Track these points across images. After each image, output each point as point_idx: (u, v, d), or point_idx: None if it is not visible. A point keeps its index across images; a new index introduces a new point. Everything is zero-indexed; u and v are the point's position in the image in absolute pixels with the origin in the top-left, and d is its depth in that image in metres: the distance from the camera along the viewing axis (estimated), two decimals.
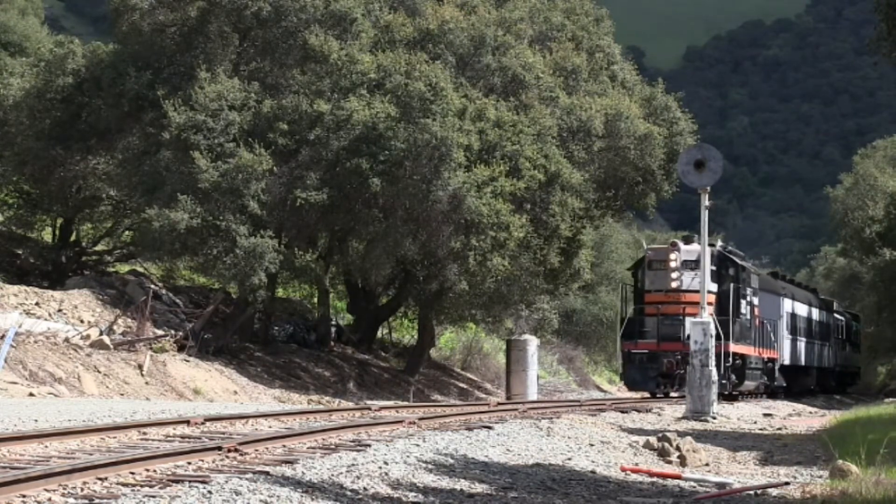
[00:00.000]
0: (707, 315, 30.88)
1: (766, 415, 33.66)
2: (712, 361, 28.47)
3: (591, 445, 18.42)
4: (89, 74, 36.75)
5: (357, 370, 38.52)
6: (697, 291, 33.11)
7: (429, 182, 33.82)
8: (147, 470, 11.78)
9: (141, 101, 35.66)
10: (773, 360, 44.32)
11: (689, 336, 32.52)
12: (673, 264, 36.61)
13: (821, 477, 15.57)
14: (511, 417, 21.92)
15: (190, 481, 11.00)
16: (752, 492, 13.95)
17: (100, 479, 11.03)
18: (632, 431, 21.67)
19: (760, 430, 26.68)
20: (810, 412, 39.21)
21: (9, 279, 36.28)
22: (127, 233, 43.47)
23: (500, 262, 35.06)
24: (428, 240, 35.42)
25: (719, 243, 38.72)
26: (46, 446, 13.67)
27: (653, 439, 19.29)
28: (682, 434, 20.10)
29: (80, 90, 36.78)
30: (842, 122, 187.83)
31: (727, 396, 37.48)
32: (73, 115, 36.98)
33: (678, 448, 18.47)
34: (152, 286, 37.42)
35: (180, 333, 33.46)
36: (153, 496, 10.18)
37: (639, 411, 27.86)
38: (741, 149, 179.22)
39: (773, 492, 14.06)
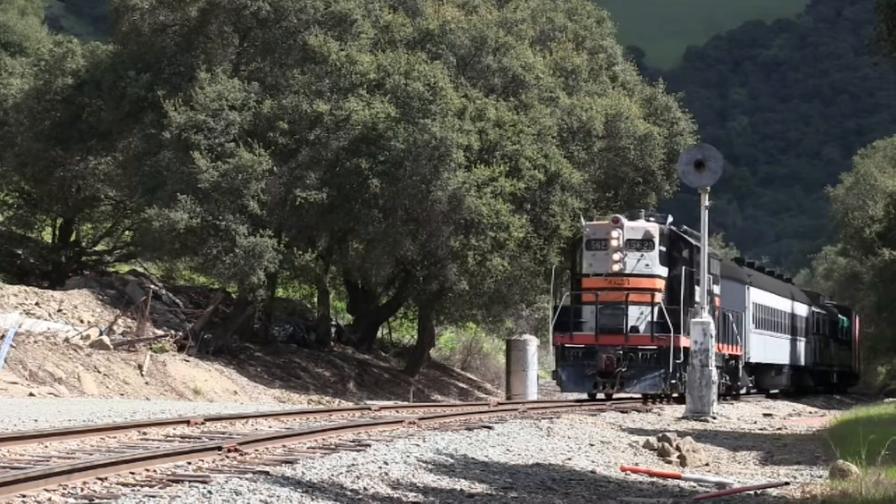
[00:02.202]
0: (660, 305, 29.45)
1: (766, 415, 33.63)
2: (713, 361, 28.42)
3: (591, 445, 18.42)
4: (89, 76, 36.76)
5: (357, 370, 38.52)
6: (645, 275, 30.96)
7: (428, 182, 33.83)
8: (147, 470, 11.78)
9: (141, 103, 35.68)
10: (735, 358, 38.94)
11: (633, 328, 30.84)
12: (615, 243, 31.07)
13: (821, 477, 15.56)
14: (511, 417, 21.92)
15: (190, 481, 10.99)
16: (751, 492, 13.95)
17: (100, 479, 11.03)
18: (632, 431, 21.67)
19: (760, 430, 26.67)
20: (810, 412, 39.18)
21: (9, 279, 36.29)
22: (127, 233, 43.49)
23: (500, 262, 35.07)
24: (428, 240, 35.42)
25: (670, 219, 33.46)
26: (46, 446, 13.67)
27: (653, 439, 19.29)
28: (681, 434, 20.09)
29: (80, 91, 36.79)
30: (842, 122, 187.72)
31: (679, 399, 32.98)
32: (73, 116, 36.99)
33: (678, 448, 18.46)
34: (152, 286, 37.42)
35: (180, 333, 33.46)
36: (153, 496, 10.18)
37: (639, 411, 27.87)
38: (741, 149, 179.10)
39: (773, 492, 14.06)
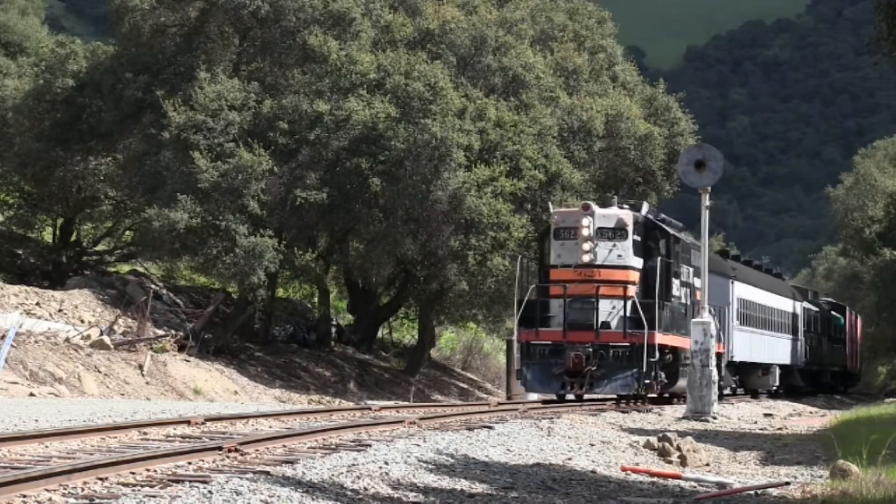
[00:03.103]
0: (633, 299, 27.61)
1: (766, 415, 33.62)
2: (713, 361, 28.36)
3: (592, 445, 18.42)
4: (89, 77, 36.79)
5: (357, 370, 38.52)
6: (617, 267, 28.80)
7: (429, 182, 33.85)
8: (147, 470, 11.77)
9: (140, 103, 35.70)
10: (718, 356, 35.53)
11: (604, 324, 28.65)
12: (585, 232, 28.74)
13: (821, 477, 15.55)
14: (511, 417, 21.91)
15: (190, 481, 10.99)
16: (752, 492, 13.95)
17: (100, 479, 11.02)
18: (632, 431, 21.66)
19: (761, 430, 26.67)
20: (811, 412, 39.17)
21: (9, 279, 36.30)
22: (127, 233, 43.51)
23: (500, 262, 35.06)
24: (428, 240, 35.43)
25: (645, 207, 31.38)
26: (47, 446, 13.67)
27: (653, 439, 19.28)
28: (682, 434, 20.09)
29: (80, 92, 36.82)
30: (842, 122, 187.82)
31: (657, 399, 31.65)
32: (73, 117, 37.02)
33: (678, 448, 18.46)
34: (152, 286, 37.43)
35: (180, 333, 33.47)
36: (153, 496, 10.18)
37: (639, 411, 27.87)
38: (741, 149, 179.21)
39: (774, 492, 14.05)
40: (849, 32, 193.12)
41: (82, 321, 32.53)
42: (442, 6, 39.02)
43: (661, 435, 19.35)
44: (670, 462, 18.04)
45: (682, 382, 31.10)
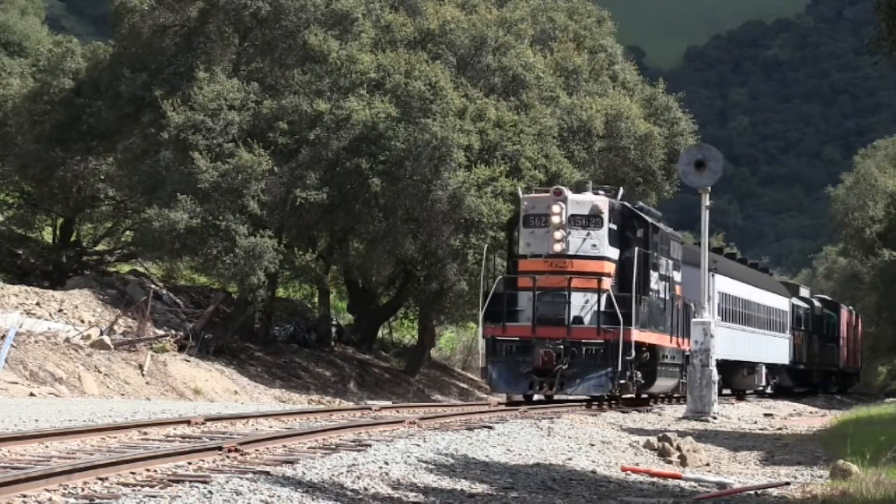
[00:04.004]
0: (608, 292, 25.86)
1: (766, 415, 33.63)
2: (713, 361, 28.35)
3: (592, 445, 18.42)
4: (88, 77, 36.79)
5: (357, 370, 38.52)
6: (591, 257, 26.82)
7: (429, 182, 33.85)
8: (148, 470, 11.77)
9: (139, 103, 35.71)
10: None
11: (576, 319, 26.63)
12: (556, 219, 26.64)
13: (821, 477, 15.55)
14: (511, 417, 21.91)
15: (190, 481, 10.99)
16: (752, 492, 13.95)
17: (100, 478, 11.02)
18: (632, 431, 21.66)
19: (761, 430, 26.68)
20: (811, 412, 39.17)
21: (9, 279, 36.30)
22: (127, 233, 43.52)
23: (500, 262, 35.06)
24: (428, 239, 35.43)
25: (621, 193, 29.07)
26: (47, 446, 13.67)
27: (653, 439, 19.29)
28: (682, 434, 20.09)
29: (79, 92, 36.82)
30: (842, 122, 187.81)
31: (633, 401, 29.83)
32: (73, 117, 37.03)
33: (679, 448, 18.46)
34: (153, 286, 37.43)
35: (181, 333, 33.46)
36: (154, 496, 10.18)
37: (639, 411, 27.87)
38: (741, 149, 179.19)
39: (774, 492, 14.05)
40: (849, 32, 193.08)
41: (82, 321, 32.53)
42: (442, 6, 39.02)
43: (661, 435, 19.35)
44: (670, 462, 18.04)
45: (660, 382, 29.98)
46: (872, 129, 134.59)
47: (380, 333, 46.16)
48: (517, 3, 42.16)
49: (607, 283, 26.97)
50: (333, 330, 42.31)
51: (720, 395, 37.52)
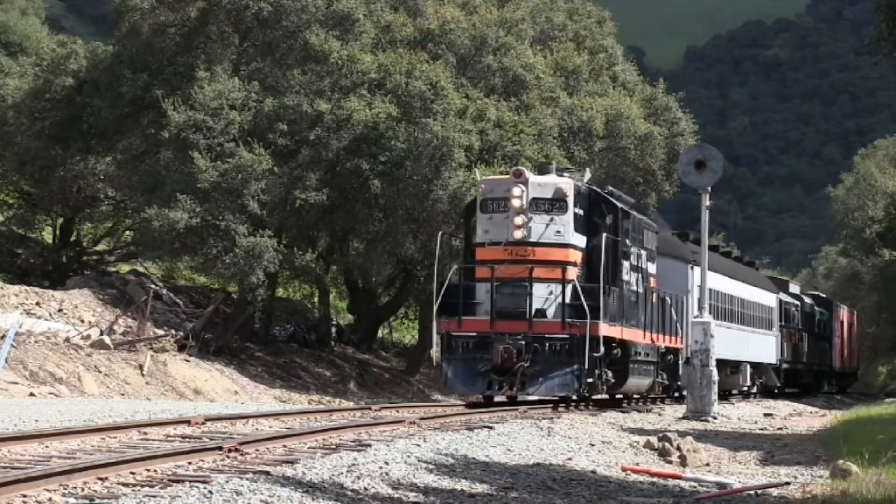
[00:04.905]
0: (574, 282, 23.88)
1: (766, 415, 33.64)
2: (713, 361, 28.34)
3: (592, 445, 18.43)
4: (88, 76, 36.80)
5: (357, 370, 38.53)
6: (555, 245, 24.66)
7: (429, 182, 33.85)
8: (147, 470, 11.77)
9: (139, 102, 35.71)
10: (674, 352, 31.59)
11: (539, 312, 24.49)
12: (517, 203, 24.46)
13: (821, 477, 15.56)
14: (511, 417, 21.89)
15: (190, 481, 10.99)
16: (752, 492, 13.95)
17: (100, 478, 11.02)
18: (632, 431, 21.67)
19: (761, 430, 26.68)
20: (811, 412, 39.17)
21: (9, 279, 36.30)
22: (127, 233, 43.52)
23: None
24: (428, 239, 35.42)
25: (587, 176, 26.88)
26: (47, 446, 13.67)
27: (653, 439, 19.29)
28: (682, 434, 20.09)
29: (79, 91, 36.82)
30: (842, 122, 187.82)
31: (606, 402, 27.87)
32: (72, 116, 37.02)
33: (679, 448, 18.47)
34: (153, 286, 37.44)
35: (181, 333, 33.47)
36: (154, 496, 10.18)
37: (639, 411, 27.87)
38: (741, 149, 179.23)
39: (774, 492, 14.06)
40: (849, 32, 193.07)
41: (82, 321, 32.53)
42: (442, 6, 39.03)
43: (661, 435, 19.36)
44: (670, 462, 18.05)
45: (632, 381, 27.85)
46: (872, 129, 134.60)
47: (380, 333, 46.16)
48: (517, 4, 42.18)
49: (573, 272, 24.83)
50: (333, 330, 42.32)
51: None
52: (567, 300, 24.45)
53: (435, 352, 26.41)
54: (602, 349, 24.54)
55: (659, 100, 45.18)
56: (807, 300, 55.03)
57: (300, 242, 35.81)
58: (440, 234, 27.31)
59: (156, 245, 34.07)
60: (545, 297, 24.62)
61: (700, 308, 29.75)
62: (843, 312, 63.25)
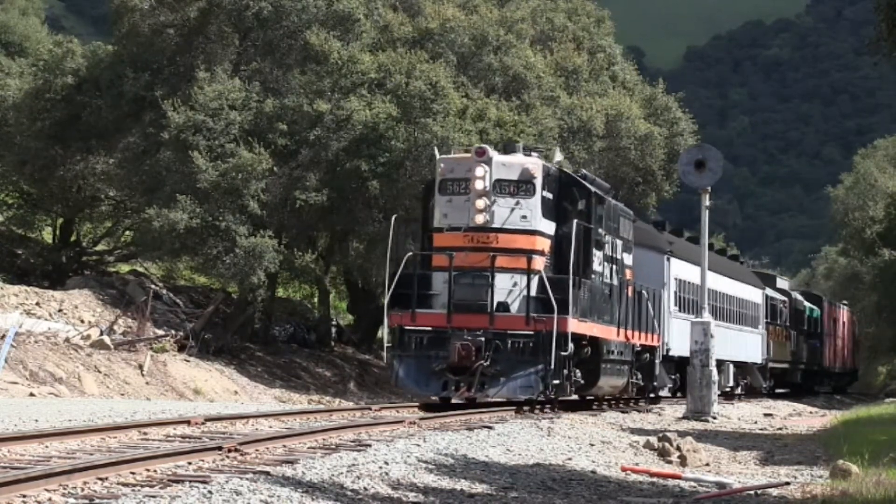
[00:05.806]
0: (541, 273, 22.12)
1: (766, 415, 33.65)
2: (713, 361, 28.35)
3: (592, 445, 18.43)
4: (88, 75, 36.80)
5: (357, 370, 38.53)
6: (521, 231, 22.56)
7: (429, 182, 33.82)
8: (147, 470, 11.77)
9: (140, 102, 35.71)
10: (650, 349, 29.32)
11: (501, 305, 22.42)
12: (479, 185, 22.29)
13: (821, 477, 15.56)
14: (511, 417, 21.88)
15: (190, 481, 11.00)
16: (752, 492, 13.95)
17: (100, 479, 11.03)
18: (632, 431, 21.67)
19: (761, 430, 26.69)
20: (811, 412, 39.18)
21: (9, 279, 36.29)
22: (127, 233, 43.51)
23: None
24: None
25: (557, 157, 25.26)
26: (47, 446, 13.67)
27: (653, 439, 19.30)
28: (682, 434, 20.10)
29: (79, 91, 36.82)
30: (842, 122, 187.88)
31: (573, 405, 25.71)
32: (72, 116, 37.01)
33: (678, 448, 18.47)
34: (152, 286, 37.43)
35: (181, 333, 33.46)
36: (153, 496, 10.18)
37: (639, 411, 27.88)
38: (741, 149, 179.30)
39: (774, 492, 14.06)
40: (849, 32, 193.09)
41: (82, 321, 32.53)
42: (442, 5, 39.02)
43: (661, 435, 19.37)
44: (670, 462, 18.05)
45: (604, 382, 25.69)
46: (872, 129, 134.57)
47: (380, 333, 46.13)
48: (518, 3, 42.18)
49: (539, 262, 22.75)
50: (333, 330, 42.31)
51: (674, 397, 34.45)
52: (533, 293, 22.46)
53: (385, 347, 24.47)
54: (571, 347, 22.48)
55: (659, 100, 45.19)
56: (795, 296, 53.08)
57: (300, 243, 35.79)
58: (394, 217, 24.65)
59: (156, 245, 34.06)
60: (508, 289, 22.60)
61: (701, 308, 29.77)
62: (836, 310, 62.23)
